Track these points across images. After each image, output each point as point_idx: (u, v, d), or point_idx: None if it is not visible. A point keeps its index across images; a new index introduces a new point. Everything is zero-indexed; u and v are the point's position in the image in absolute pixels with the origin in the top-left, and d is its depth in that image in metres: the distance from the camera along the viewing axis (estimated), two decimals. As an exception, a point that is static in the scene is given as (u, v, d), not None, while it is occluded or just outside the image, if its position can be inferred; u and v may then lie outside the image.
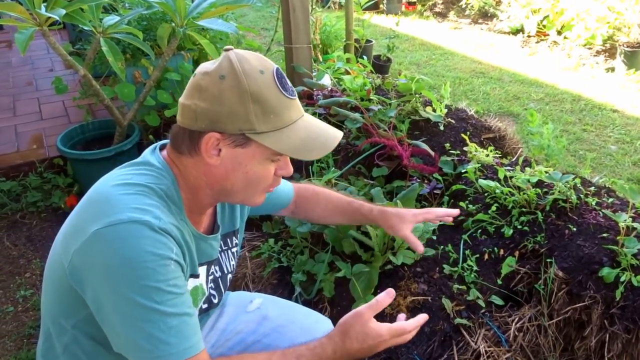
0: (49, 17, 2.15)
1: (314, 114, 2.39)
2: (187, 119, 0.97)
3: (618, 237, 1.52)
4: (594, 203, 1.69)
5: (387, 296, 1.04)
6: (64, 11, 2.14)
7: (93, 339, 0.99)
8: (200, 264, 1.10)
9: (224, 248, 1.24)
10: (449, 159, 2.15)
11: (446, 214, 1.40)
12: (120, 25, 2.48)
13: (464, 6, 7.18)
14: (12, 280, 2.36)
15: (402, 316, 1.09)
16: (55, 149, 2.82)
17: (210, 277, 1.17)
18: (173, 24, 2.55)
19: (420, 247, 1.37)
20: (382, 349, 1.07)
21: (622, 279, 1.42)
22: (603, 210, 1.63)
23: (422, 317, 1.08)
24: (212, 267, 1.17)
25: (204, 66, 0.98)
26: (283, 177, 1.09)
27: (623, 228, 1.51)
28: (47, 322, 1.05)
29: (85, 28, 2.42)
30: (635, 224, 1.51)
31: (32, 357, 1.93)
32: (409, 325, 1.05)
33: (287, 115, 0.97)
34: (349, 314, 1.05)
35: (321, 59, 3.77)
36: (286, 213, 1.50)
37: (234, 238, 1.28)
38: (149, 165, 1.00)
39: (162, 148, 1.08)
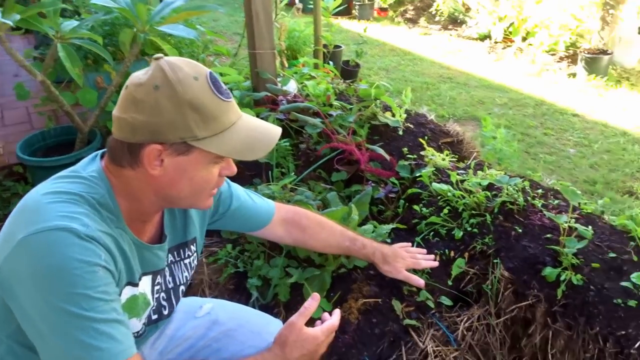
0: (4, 23, 2.13)
1: (274, 119, 2.40)
2: (125, 132, 0.95)
3: (560, 238, 1.57)
4: (539, 205, 1.74)
5: (313, 301, 1.15)
6: (18, 16, 2.12)
7: (29, 349, 0.98)
8: (145, 274, 1.09)
9: (176, 259, 1.23)
10: (406, 163, 2.19)
11: (428, 265, 1.65)
12: (80, 31, 2.46)
13: (434, 13, 7.30)
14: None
15: (326, 315, 1.22)
16: (15, 156, 2.78)
17: (157, 287, 1.16)
18: (135, 29, 2.55)
19: (421, 282, 1.58)
20: (323, 351, 1.14)
21: (562, 278, 1.47)
22: (546, 212, 1.68)
23: (337, 313, 1.24)
24: (160, 277, 1.16)
25: (135, 76, 0.96)
26: (227, 177, 1.12)
27: (564, 229, 1.56)
28: None
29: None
30: (577, 225, 1.56)
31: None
32: (335, 321, 1.20)
33: (226, 119, 0.98)
34: (283, 326, 1.13)
35: (287, 65, 3.79)
36: (271, 236, 1.50)
37: (186, 249, 1.26)
38: (82, 175, 0.99)
39: (102, 156, 1.06)
